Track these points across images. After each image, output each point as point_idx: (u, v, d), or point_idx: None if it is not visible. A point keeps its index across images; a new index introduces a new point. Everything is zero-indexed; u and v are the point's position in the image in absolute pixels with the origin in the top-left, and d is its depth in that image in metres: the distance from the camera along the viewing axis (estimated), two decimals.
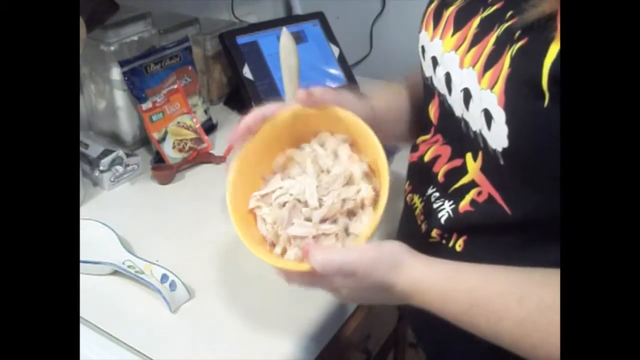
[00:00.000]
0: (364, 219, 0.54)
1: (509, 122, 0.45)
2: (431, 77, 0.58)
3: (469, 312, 0.46)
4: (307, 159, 0.58)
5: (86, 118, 1.06)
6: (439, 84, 0.56)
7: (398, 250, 0.50)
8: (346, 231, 0.54)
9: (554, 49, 0.41)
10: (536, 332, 0.43)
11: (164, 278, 0.69)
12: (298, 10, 1.48)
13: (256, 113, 0.58)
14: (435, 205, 0.57)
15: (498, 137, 0.46)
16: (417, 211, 0.61)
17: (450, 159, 0.56)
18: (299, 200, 0.55)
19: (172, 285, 0.69)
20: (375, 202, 0.55)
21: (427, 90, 0.60)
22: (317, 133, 0.61)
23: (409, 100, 0.69)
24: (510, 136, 0.45)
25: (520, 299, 0.44)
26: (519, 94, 0.44)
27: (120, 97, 1.00)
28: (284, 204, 0.56)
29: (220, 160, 1.00)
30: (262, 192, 0.58)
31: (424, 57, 0.59)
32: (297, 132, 0.60)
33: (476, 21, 0.50)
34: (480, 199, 0.52)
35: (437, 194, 0.57)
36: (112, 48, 0.96)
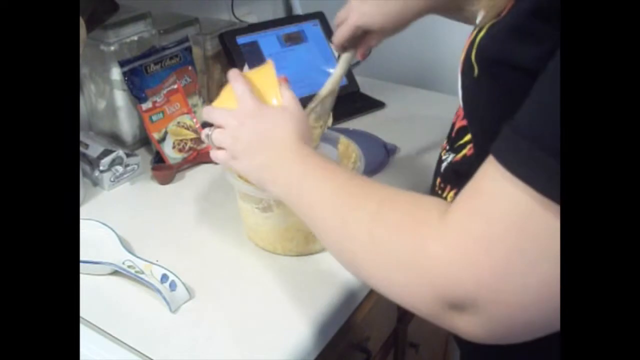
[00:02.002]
0: None
1: (461, 86, 0.50)
2: None
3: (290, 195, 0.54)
4: None
5: (86, 118, 1.06)
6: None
7: (305, 124, 0.59)
8: None
9: (486, 27, 0.46)
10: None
11: (164, 278, 0.69)
12: (298, 10, 1.48)
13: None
14: (444, 157, 0.60)
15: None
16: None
17: (463, 117, 0.59)
18: None
19: (172, 285, 0.69)
20: None
21: None
22: None
23: None
24: (462, 98, 0.51)
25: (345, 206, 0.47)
26: (465, 63, 0.48)
27: (120, 97, 1.00)
28: None
29: None
30: None
31: None
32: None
33: None
34: (469, 153, 0.56)
35: (447, 147, 0.61)
36: (112, 48, 0.96)
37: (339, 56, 0.80)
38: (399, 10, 0.75)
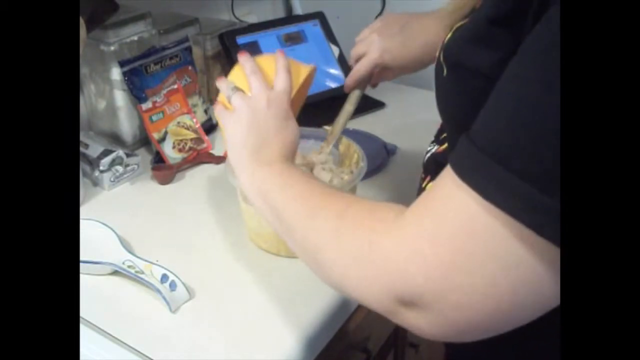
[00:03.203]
0: None
1: (435, 84, 0.52)
2: None
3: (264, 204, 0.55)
4: None
5: (86, 118, 1.06)
6: None
7: (297, 141, 0.61)
8: None
9: (454, 29, 0.48)
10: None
11: (164, 278, 0.69)
12: (298, 10, 1.48)
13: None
14: (429, 148, 0.62)
15: None
16: None
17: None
18: None
19: (172, 285, 0.69)
20: None
21: None
22: None
23: None
24: (435, 95, 0.53)
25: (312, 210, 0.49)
26: (437, 62, 0.50)
27: (120, 97, 1.00)
28: None
29: (220, 160, 1.00)
30: None
31: None
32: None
33: None
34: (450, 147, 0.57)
35: (433, 139, 0.62)
36: (112, 48, 0.96)
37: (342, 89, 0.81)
38: (421, 48, 0.75)
